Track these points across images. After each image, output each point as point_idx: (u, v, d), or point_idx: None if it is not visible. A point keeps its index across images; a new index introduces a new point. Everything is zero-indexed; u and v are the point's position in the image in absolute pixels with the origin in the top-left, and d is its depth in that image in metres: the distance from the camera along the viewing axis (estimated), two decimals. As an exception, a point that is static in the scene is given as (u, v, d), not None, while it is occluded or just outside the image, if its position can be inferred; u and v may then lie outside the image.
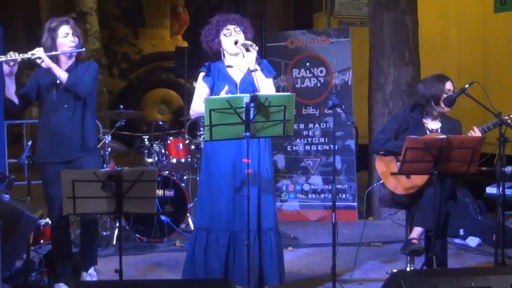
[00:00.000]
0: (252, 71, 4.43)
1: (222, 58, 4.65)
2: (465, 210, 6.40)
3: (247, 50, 4.43)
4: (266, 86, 4.47)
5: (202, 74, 4.62)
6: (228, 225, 4.46)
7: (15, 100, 4.55)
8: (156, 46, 19.32)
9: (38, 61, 4.43)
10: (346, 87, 7.55)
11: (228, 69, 4.58)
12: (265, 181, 4.52)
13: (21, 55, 4.40)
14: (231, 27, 4.53)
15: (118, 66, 18.05)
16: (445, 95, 4.83)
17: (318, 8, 12.46)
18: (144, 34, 19.52)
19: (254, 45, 4.42)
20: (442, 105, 4.86)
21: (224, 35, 4.54)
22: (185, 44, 19.07)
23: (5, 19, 12.97)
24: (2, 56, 4.39)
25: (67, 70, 4.59)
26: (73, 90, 4.52)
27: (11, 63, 4.38)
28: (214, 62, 4.65)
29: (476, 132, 4.68)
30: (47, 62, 4.43)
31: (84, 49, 4.62)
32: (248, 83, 4.50)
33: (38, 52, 4.43)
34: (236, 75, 4.57)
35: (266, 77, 4.52)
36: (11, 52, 4.41)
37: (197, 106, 4.52)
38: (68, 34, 4.56)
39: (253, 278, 4.36)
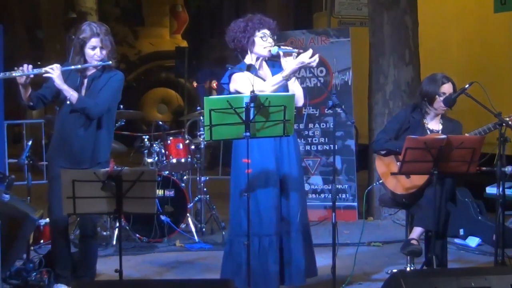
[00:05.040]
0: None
1: (246, 57, 4.52)
2: (465, 210, 6.40)
3: (287, 56, 4.35)
4: (299, 90, 4.47)
5: (240, 72, 4.42)
6: (277, 227, 4.44)
7: (30, 103, 4.54)
8: (156, 45, 19.34)
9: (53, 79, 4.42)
10: (346, 87, 7.55)
11: (260, 73, 4.50)
12: (301, 178, 4.60)
13: (34, 70, 4.37)
14: (267, 32, 4.45)
15: (117, 66, 18.05)
16: (438, 97, 4.84)
17: (318, 8, 12.46)
18: (143, 33, 19.53)
19: (298, 52, 4.33)
20: (435, 106, 4.87)
21: (261, 37, 4.44)
22: (185, 43, 19.08)
23: (5, 19, 12.97)
24: (16, 72, 4.34)
25: (90, 78, 4.57)
26: (83, 112, 4.48)
27: (23, 78, 4.36)
28: (237, 64, 4.53)
29: None
30: (57, 84, 4.41)
31: (109, 62, 4.54)
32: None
33: (54, 72, 4.40)
34: (264, 77, 4.51)
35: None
36: (25, 66, 4.37)
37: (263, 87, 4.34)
38: (95, 47, 4.51)
39: (302, 276, 4.51)
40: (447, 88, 4.84)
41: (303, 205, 4.57)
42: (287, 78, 4.33)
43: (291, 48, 4.41)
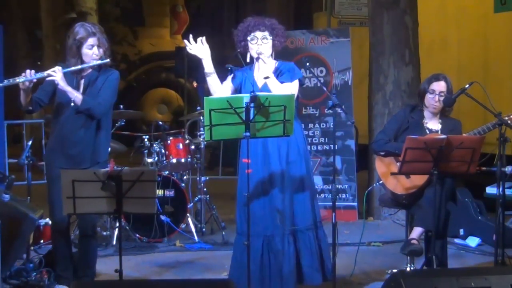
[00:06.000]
0: (265, 78, 4.45)
1: (251, 60, 4.61)
2: (465, 210, 6.40)
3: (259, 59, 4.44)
4: (279, 92, 4.44)
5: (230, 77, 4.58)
6: (261, 230, 4.43)
7: (30, 107, 4.55)
8: (156, 46, 19.33)
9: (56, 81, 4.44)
10: (346, 87, 7.55)
11: (254, 74, 4.58)
12: (299, 179, 4.54)
13: (37, 74, 4.39)
14: (259, 34, 4.49)
15: (118, 66, 18.05)
16: (428, 94, 4.86)
17: (318, 8, 12.47)
18: (143, 33, 19.53)
19: (265, 55, 4.43)
20: (426, 103, 4.90)
21: (250, 40, 4.51)
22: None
23: (5, 19, 12.98)
24: (19, 78, 4.36)
25: (86, 79, 4.58)
26: (88, 113, 4.50)
27: (27, 83, 4.38)
28: (242, 67, 4.63)
29: None
30: (61, 86, 4.43)
31: (108, 60, 4.56)
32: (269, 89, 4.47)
33: (57, 74, 4.41)
34: (260, 79, 4.55)
35: (284, 82, 4.48)
36: (27, 72, 4.38)
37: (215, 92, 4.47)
38: (93, 46, 4.53)
39: (291, 281, 4.41)
40: (437, 86, 4.85)
41: (301, 204, 4.54)
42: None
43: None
